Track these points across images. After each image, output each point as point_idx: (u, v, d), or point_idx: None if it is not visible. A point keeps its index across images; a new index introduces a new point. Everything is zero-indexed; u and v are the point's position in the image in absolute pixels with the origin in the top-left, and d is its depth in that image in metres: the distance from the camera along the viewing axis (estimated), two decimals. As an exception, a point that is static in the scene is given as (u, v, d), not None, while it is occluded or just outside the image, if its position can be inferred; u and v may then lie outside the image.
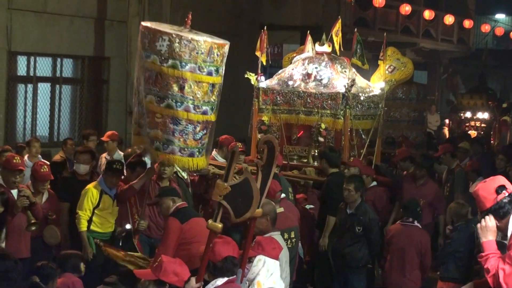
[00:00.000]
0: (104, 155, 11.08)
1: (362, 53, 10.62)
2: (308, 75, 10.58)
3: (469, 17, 27.42)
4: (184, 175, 9.11)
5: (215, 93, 7.31)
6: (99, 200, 8.38)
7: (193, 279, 5.21)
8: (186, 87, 7.09)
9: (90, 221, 8.37)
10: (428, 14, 24.39)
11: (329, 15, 18.81)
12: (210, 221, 5.23)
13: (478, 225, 4.76)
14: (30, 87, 14.01)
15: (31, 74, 14.01)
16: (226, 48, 7.34)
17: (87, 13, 14.62)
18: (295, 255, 7.68)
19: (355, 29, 11.06)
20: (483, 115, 21.63)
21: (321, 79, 10.51)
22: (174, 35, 7.01)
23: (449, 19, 25.42)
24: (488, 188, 4.74)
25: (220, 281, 5.18)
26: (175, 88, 7.08)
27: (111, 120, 15.19)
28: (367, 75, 11.78)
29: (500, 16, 31.54)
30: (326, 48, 10.74)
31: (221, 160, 10.36)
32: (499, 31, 29.17)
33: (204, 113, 7.26)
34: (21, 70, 13.89)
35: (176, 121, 7.16)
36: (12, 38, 13.14)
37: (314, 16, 19.26)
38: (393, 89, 12.92)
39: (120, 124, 14.79)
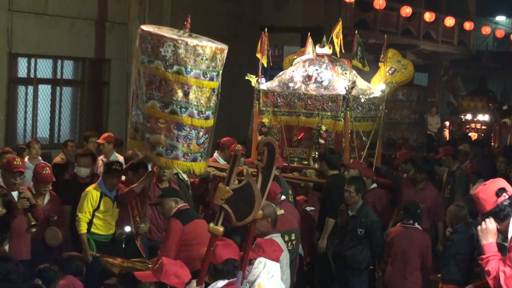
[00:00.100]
0: (101, 157, 11.05)
1: (363, 55, 10.62)
2: (309, 77, 10.58)
3: (469, 19, 27.42)
4: (185, 176, 9.12)
5: (214, 97, 7.35)
6: (99, 202, 8.36)
7: (194, 282, 5.21)
8: (190, 93, 7.11)
9: (90, 223, 8.35)
10: (428, 16, 24.39)
11: (329, 17, 18.82)
12: (211, 225, 5.23)
13: (479, 227, 4.76)
14: (30, 89, 14.02)
15: (32, 76, 14.02)
16: (225, 52, 7.37)
17: (87, 15, 14.63)
18: (295, 257, 7.68)
19: (356, 31, 11.06)
20: (484, 117, 21.63)
21: (322, 81, 10.51)
22: (180, 41, 7.01)
23: (449, 21, 25.43)
24: (488, 191, 4.74)
25: (221, 283, 5.19)
26: (180, 94, 7.09)
27: (112, 122, 15.19)
28: (367, 77, 11.79)
29: (500, 18, 31.54)
30: (327, 50, 10.74)
31: (222, 162, 10.38)
32: (500, 33, 29.15)
33: (207, 118, 7.30)
34: (22, 72, 13.89)
35: (181, 126, 7.18)
36: (13, 40, 13.15)
37: (314, 18, 19.27)
38: (394, 91, 12.92)
39: (120, 126, 14.79)
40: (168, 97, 7.10)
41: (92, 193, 8.38)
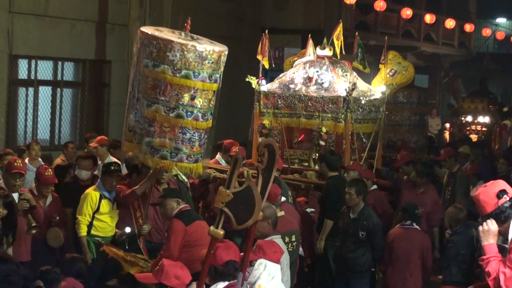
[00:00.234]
0: None
1: (363, 57, 10.63)
2: (309, 79, 10.58)
3: (470, 21, 27.43)
4: (185, 178, 9.12)
5: (214, 98, 7.40)
6: (98, 204, 8.34)
7: (194, 284, 5.20)
8: (197, 97, 7.15)
9: (90, 225, 8.34)
10: (429, 18, 24.39)
11: (330, 19, 18.85)
12: (211, 228, 5.23)
13: (480, 228, 4.76)
14: (31, 90, 14.02)
15: (32, 77, 14.01)
16: (226, 54, 7.42)
17: (88, 16, 14.63)
18: (295, 259, 7.69)
19: (356, 33, 11.08)
20: (484, 119, 21.63)
21: (322, 83, 10.52)
22: (189, 46, 7.05)
23: (450, 23, 25.42)
24: (489, 193, 4.74)
25: (221, 285, 5.18)
26: (187, 98, 7.15)
27: (112, 124, 15.19)
28: (368, 79, 11.78)
29: (501, 20, 31.53)
30: (327, 52, 10.74)
31: (224, 164, 10.37)
32: (500, 35, 29.16)
33: (208, 119, 7.35)
34: (22, 74, 13.89)
35: (185, 130, 7.23)
36: (14, 42, 13.14)
37: (315, 20, 19.28)
38: (394, 92, 12.94)
39: (121, 128, 14.56)
40: (173, 101, 7.14)
41: (92, 195, 8.38)
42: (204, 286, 5.24)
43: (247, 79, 10.59)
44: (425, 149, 14.72)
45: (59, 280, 6.08)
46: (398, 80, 11.58)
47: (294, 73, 10.80)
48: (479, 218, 5.26)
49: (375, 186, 10.05)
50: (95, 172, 9.46)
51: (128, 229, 8.18)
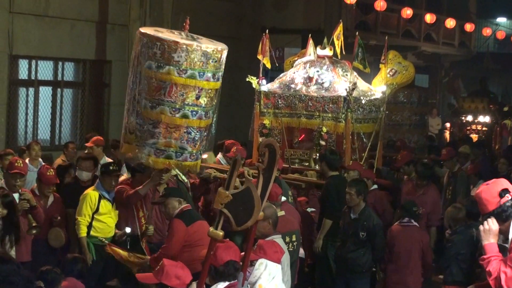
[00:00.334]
0: None
1: (364, 56, 10.62)
2: (310, 79, 10.58)
3: (470, 20, 27.41)
4: (184, 178, 9.11)
5: (216, 97, 7.45)
6: (97, 204, 8.32)
7: (194, 284, 5.20)
8: (201, 96, 7.20)
9: (89, 227, 8.31)
10: (429, 18, 24.38)
11: (330, 19, 18.84)
12: (211, 229, 5.22)
13: (480, 227, 4.75)
14: (31, 90, 14.02)
15: (33, 77, 14.01)
16: (226, 52, 7.47)
17: (88, 16, 14.63)
18: (296, 259, 7.69)
19: (357, 33, 11.07)
20: (484, 119, 21.63)
21: (323, 83, 10.51)
22: (195, 46, 7.10)
23: (450, 23, 25.40)
24: (491, 191, 4.73)
25: (222, 285, 5.18)
26: (192, 98, 7.21)
27: (113, 124, 15.18)
28: (368, 78, 11.78)
29: (501, 20, 31.52)
30: (328, 51, 10.74)
31: (225, 164, 10.38)
32: (501, 35, 29.13)
33: (209, 117, 7.42)
34: (23, 74, 13.89)
35: (190, 129, 7.28)
36: (14, 42, 13.14)
37: (315, 20, 19.27)
38: (395, 92, 12.92)
39: (121, 128, 14.74)
40: (179, 102, 7.18)
41: (91, 195, 8.35)
42: (205, 286, 5.23)
43: (247, 79, 10.59)
44: (425, 148, 14.73)
45: (59, 280, 6.07)
46: (398, 80, 11.57)
47: (294, 73, 10.80)
48: (479, 218, 5.24)
49: (375, 186, 10.06)
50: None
51: (128, 230, 8.14)
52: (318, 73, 10.60)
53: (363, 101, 10.51)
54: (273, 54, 11.10)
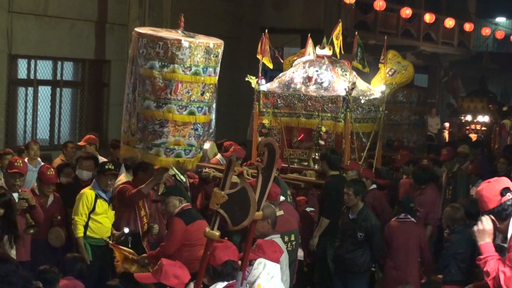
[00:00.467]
0: None
1: (363, 56, 10.63)
2: (309, 78, 10.58)
3: (469, 20, 27.41)
4: (183, 177, 9.11)
5: (214, 91, 7.59)
6: (94, 204, 8.26)
7: (191, 284, 5.20)
8: (205, 92, 7.28)
9: (86, 227, 8.24)
10: (428, 18, 24.38)
11: (329, 19, 18.84)
12: (207, 229, 5.22)
13: (475, 227, 4.76)
14: (30, 90, 14.02)
15: (32, 77, 14.01)
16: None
17: (88, 16, 14.62)
18: (295, 258, 7.69)
19: (356, 32, 11.07)
20: (484, 118, 21.63)
21: (322, 82, 10.51)
22: (197, 42, 7.16)
23: (449, 23, 25.41)
24: (492, 189, 4.72)
25: (220, 285, 5.17)
26: (197, 94, 7.28)
27: (112, 124, 15.18)
28: (367, 78, 11.79)
29: (500, 20, 31.54)
30: (327, 51, 10.74)
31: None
32: (500, 35, 29.14)
33: (211, 112, 7.52)
34: (22, 73, 13.89)
35: (197, 125, 7.35)
36: (13, 41, 13.13)
37: (315, 20, 19.26)
38: (394, 92, 12.94)
39: (120, 128, 14.76)
40: (185, 99, 7.23)
41: (87, 194, 8.29)
42: (202, 287, 5.23)
43: (246, 79, 10.60)
44: (424, 148, 14.73)
45: (57, 279, 6.08)
46: (397, 80, 11.58)
47: (293, 72, 10.80)
48: (478, 217, 5.23)
49: (374, 186, 10.06)
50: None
51: (126, 230, 8.10)
52: (317, 72, 10.60)
53: (362, 101, 10.51)
54: (274, 53, 11.14)
